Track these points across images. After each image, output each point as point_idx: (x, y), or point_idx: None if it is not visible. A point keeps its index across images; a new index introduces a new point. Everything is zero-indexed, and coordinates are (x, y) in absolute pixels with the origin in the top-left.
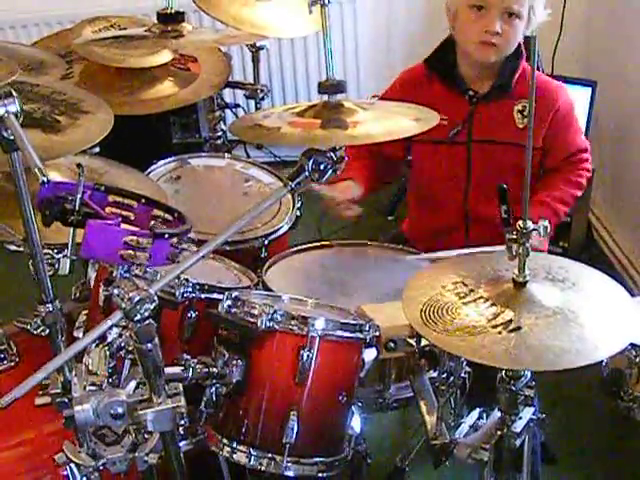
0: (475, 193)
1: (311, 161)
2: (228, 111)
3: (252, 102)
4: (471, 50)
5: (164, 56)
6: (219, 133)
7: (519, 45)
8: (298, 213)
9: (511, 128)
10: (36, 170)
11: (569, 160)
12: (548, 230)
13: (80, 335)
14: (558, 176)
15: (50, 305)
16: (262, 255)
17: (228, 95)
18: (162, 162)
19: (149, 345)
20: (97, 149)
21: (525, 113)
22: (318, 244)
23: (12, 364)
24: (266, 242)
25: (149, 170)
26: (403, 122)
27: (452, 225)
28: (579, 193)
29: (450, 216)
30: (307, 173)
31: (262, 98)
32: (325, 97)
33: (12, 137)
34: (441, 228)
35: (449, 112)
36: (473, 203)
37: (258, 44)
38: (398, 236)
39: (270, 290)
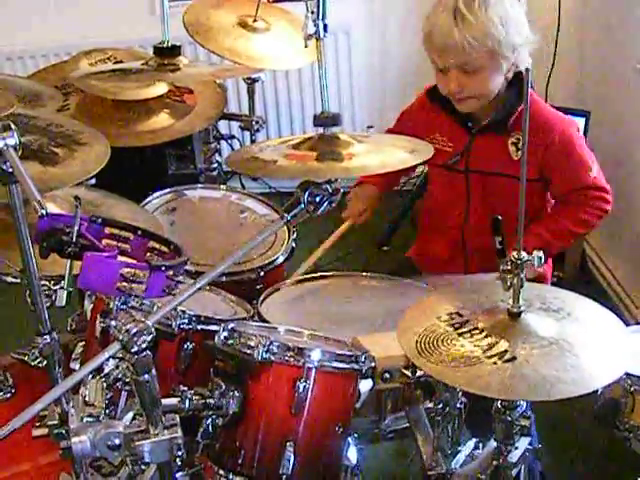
0: (473, 223)
1: (307, 193)
2: (223, 142)
3: (247, 133)
4: (453, 103)
5: (160, 88)
6: (214, 164)
7: (520, 81)
8: (294, 244)
9: (506, 160)
10: (35, 203)
11: (577, 195)
12: (542, 261)
13: (77, 367)
14: (564, 210)
15: (48, 336)
16: (258, 286)
17: (223, 126)
18: (158, 194)
19: (146, 376)
20: (93, 181)
21: (519, 145)
22: (313, 275)
23: (8, 395)
24: (262, 273)
25: (145, 202)
26: (398, 154)
27: (452, 252)
28: (581, 230)
29: (450, 243)
30: (303, 205)
31: (257, 130)
32: (320, 130)
33: (11, 170)
34: (443, 254)
35: (452, 140)
36: (470, 232)
37: (253, 76)
38: (404, 262)
39: (266, 321)
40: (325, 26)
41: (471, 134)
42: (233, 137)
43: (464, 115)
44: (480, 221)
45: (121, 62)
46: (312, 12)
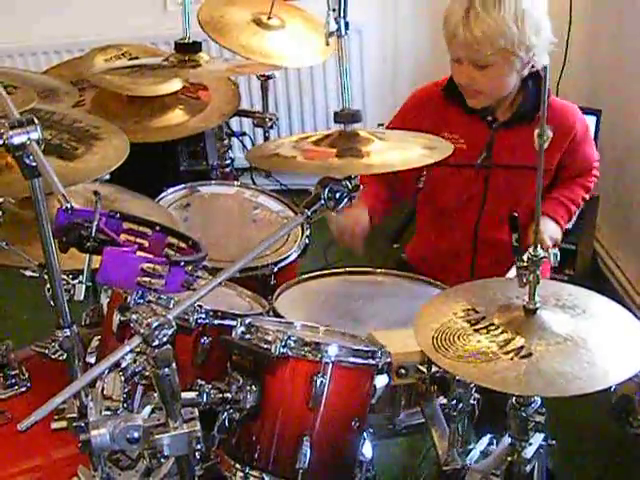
0: (488, 217)
1: (327, 189)
2: (234, 139)
3: (259, 130)
4: (464, 96)
5: (175, 84)
6: (227, 161)
7: (538, 76)
8: (307, 241)
9: (532, 152)
10: (59, 197)
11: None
12: (558, 257)
13: (92, 361)
14: (574, 180)
15: (68, 330)
16: (271, 282)
17: (234, 123)
18: (172, 189)
19: (166, 370)
20: (108, 176)
21: (545, 137)
22: (327, 271)
23: (24, 389)
24: (275, 269)
25: (159, 197)
26: (418, 151)
27: (460, 248)
28: (587, 197)
29: (460, 239)
30: (323, 201)
31: (270, 127)
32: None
33: (34, 164)
34: (449, 251)
35: (467, 136)
36: (485, 227)
37: (267, 73)
38: (399, 262)
39: (281, 317)
40: (347, 24)
41: (492, 129)
42: (244, 134)
43: (483, 110)
44: (496, 214)
45: (136, 58)
46: (334, 10)
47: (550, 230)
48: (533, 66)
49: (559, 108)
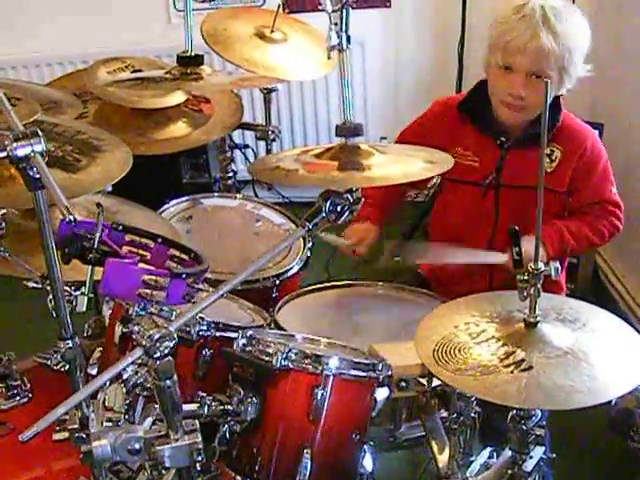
0: (502, 235)
1: (328, 202)
2: (237, 152)
3: (261, 143)
4: (495, 106)
5: (178, 97)
6: (230, 174)
7: (557, 98)
8: (308, 253)
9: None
10: (62, 209)
11: (597, 208)
12: (559, 271)
13: (94, 372)
14: (583, 217)
15: (70, 341)
16: (273, 295)
17: (237, 136)
18: (174, 202)
19: (168, 382)
20: (110, 188)
21: (553, 157)
22: (329, 284)
23: (25, 400)
24: (277, 282)
25: (161, 209)
26: (419, 164)
27: (476, 269)
28: (597, 240)
29: None
30: (324, 214)
31: (273, 139)
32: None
33: (38, 175)
34: (464, 271)
35: (480, 155)
36: (500, 245)
37: (270, 86)
38: (417, 277)
39: (282, 329)
40: (348, 37)
41: (503, 148)
42: (247, 146)
43: (497, 129)
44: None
45: (139, 70)
46: (335, 24)
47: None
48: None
49: (570, 128)
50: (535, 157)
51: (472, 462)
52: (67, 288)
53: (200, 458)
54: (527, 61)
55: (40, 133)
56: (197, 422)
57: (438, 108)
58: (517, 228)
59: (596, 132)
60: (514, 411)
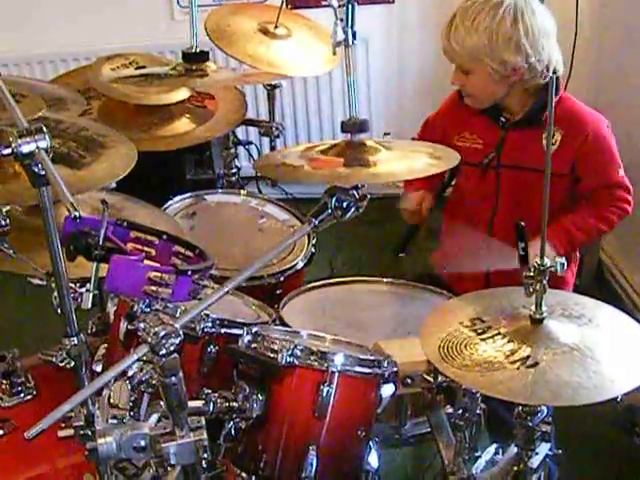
0: (501, 218)
1: (334, 199)
2: (241, 148)
3: (265, 139)
4: None
5: (182, 93)
6: (233, 170)
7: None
8: (313, 250)
9: (539, 154)
10: (67, 205)
11: (604, 192)
12: (564, 267)
13: (99, 369)
14: (589, 206)
15: (75, 338)
16: (277, 291)
17: (240, 132)
18: (178, 198)
19: (173, 379)
20: (114, 184)
21: (553, 140)
22: (333, 280)
23: (30, 397)
24: (282, 278)
25: (165, 206)
26: (424, 160)
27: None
28: (605, 228)
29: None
30: (330, 211)
31: (277, 136)
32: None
33: (43, 172)
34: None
35: (484, 136)
36: (498, 228)
37: (274, 82)
38: (428, 273)
39: (287, 326)
40: (354, 33)
41: (504, 129)
42: (251, 143)
43: (496, 110)
44: (508, 217)
45: (143, 67)
46: (341, 19)
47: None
48: (529, 77)
49: (571, 110)
50: (534, 138)
51: (478, 458)
52: (72, 285)
53: (206, 455)
54: (449, 57)
55: (45, 129)
56: (203, 419)
57: (450, 99)
58: (523, 224)
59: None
60: (520, 407)
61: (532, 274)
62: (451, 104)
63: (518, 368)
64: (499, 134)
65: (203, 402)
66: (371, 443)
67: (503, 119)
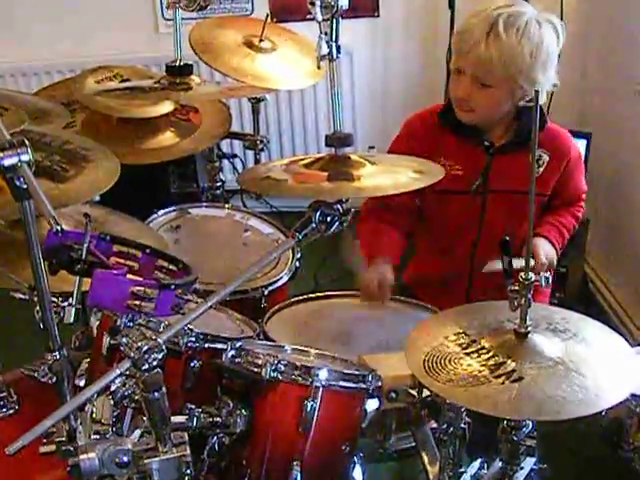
0: (485, 242)
1: (318, 213)
2: (225, 161)
3: (249, 153)
4: (455, 109)
5: (166, 107)
6: (218, 183)
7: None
8: (297, 264)
9: (528, 177)
10: (49, 219)
11: (575, 197)
12: (549, 281)
13: (82, 383)
14: (564, 209)
15: (57, 353)
16: (262, 305)
17: (225, 145)
18: (162, 211)
19: (156, 394)
20: (98, 198)
21: (540, 162)
22: (317, 294)
23: (12, 412)
24: (266, 292)
25: (149, 219)
26: (409, 175)
27: (456, 272)
28: (576, 226)
29: (457, 263)
30: (314, 225)
31: (261, 149)
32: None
33: (25, 186)
34: (445, 276)
35: (464, 163)
36: (482, 251)
37: (258, 95)
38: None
39: (271, 340)
40: (338, 47)
41: (489, 154)
42: (235, 156)
43: (477, 133)
44: (493, 239)
45: (127, 80)
46: (325, 33)
47: (546, 249)
48: (530, 100)
49: (555, 133)
50: (523, 162)
51: (462, 473)
52: (54, 299)
53: (189, 471)
54: (470, 66)
55: (27, 143)
56: (186, 434)
57: (413, 125)
58: (507, 239)
59: (578, 141)
60: (505, 422)
61: (517, 288)
62: (423, 129)
63: (503, 382)
64: (483, 159)
65: (186, 417)
66: (355, 458)
67: (487, 143)
